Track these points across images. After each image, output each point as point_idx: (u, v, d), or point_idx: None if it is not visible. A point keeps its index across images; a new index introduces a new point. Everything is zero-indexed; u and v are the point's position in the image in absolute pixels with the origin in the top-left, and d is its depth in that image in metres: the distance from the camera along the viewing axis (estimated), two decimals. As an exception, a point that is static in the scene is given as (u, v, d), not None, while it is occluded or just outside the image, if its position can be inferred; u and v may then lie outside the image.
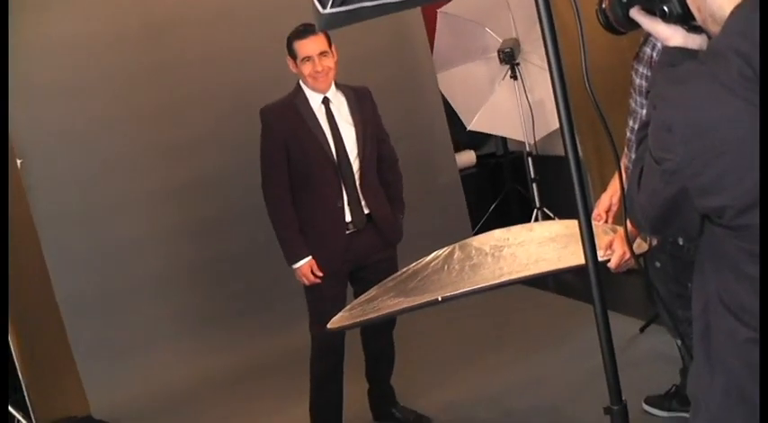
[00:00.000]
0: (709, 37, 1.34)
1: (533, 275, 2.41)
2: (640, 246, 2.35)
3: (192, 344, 4.42)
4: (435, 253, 2.86)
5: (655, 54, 2.33)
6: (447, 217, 5.27)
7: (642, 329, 3.83)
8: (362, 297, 2.74)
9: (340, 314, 2.64)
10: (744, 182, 1.10)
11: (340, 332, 3.21)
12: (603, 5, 1.45)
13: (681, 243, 2.45)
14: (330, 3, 1.49)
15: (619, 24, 1.46)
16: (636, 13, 1.41)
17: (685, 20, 1.33)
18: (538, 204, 5.24)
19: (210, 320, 4.48)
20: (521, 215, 5.57)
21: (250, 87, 4.29)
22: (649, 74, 2.38)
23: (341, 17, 1.51)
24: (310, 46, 3.05)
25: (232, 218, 4.50)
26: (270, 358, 4.27)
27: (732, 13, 1.14)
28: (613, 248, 2.23)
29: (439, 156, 5.34)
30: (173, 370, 4.29)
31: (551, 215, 5.18)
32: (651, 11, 1.38)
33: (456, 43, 5.40)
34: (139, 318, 4.35)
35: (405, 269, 2.83)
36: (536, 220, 5.19)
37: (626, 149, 2.62)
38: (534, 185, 5.25)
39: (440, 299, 2.35)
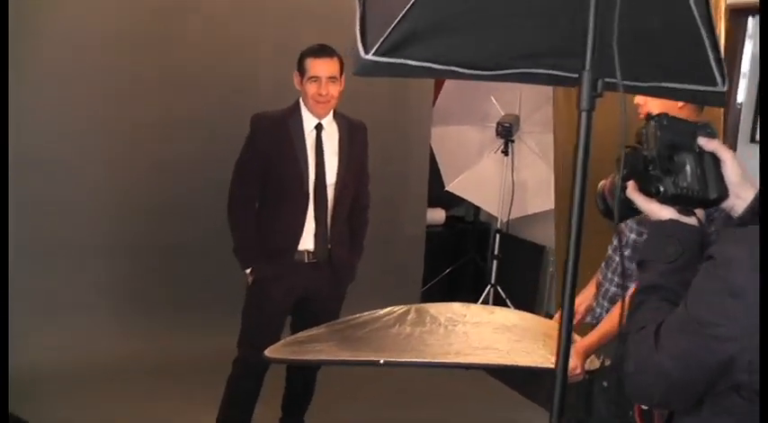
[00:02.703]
0: (701, 222, 1.37)
1: (478, 365, 2.39)
2: (592, 362, 2.36)
3: (115, 320, 4.34)
4: (390, 308, 2.85)
5: None
6: (401, 268, 5.24)
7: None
8: (306, 332, 2.69)
9: (280, 344, 2.58)
10: None
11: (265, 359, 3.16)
12: (604, 191, 1.47)
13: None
14: (374, 49, 1.47)
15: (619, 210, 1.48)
16: (632, 191, 1.43)
17: (678, 201, 1.37)
18: (493, 281, 5.24)
19: (141, 301, 4.43)
20: (473, 287, 5.57)
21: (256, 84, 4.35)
22: None
23: (380, 67, 1.48)
24: (322, 67, 3.02)
25: (196, 204, 4.41)
26: (189, 357, 4.15)
27: None
28: None
29: (411, 206, 5.32)
30: (87, 342, 4.19)
31: (503, 295, 5.19)
32: (647, 191, 1.41)
33: (459, 103, 5.43)
34: (74, 278, 4.28)
35: (357, 316, 2.79)
36: (487, 295, 5.20)
37: (602, 265, 2.63)
38: (495, 262, 5.26)
39: (381, 362, 2.31)
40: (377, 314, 2.82)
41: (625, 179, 1.44)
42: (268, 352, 2.50)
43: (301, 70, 3.06)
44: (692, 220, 1.38)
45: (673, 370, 1.19)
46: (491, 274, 5.28)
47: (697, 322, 1.15)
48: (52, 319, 4.14)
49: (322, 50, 3.03)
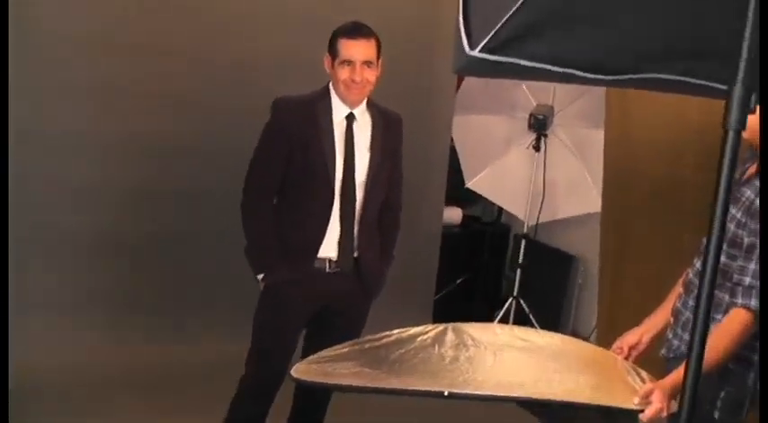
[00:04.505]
0: None
1: (559, 402, 2.32)
2: (671, 405, 2.32)
3: (104, 324, 4.32)
4: (424, 327, 2.80)
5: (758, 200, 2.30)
6: (413, 273, 5.17)
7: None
8: (331, 351, 2.63)
9: (306, 363, 2.52)
10: None
11: (278, 376, 3.08)
12: None
13: (716, 416, 2.42)
14: (481, 45, 1.41)
15: None
16: None
17: None
18: (516, 293, 5.20)
19: (136, 303, 4.42)
20: (492, 297, 5.54)
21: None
22: (747, 221, 2.33)
23: (487, 65, 1.43)
24: (357, 49, 2.95)
25: (198, 194, 4.42)
26: (199, 366, 4.11)
27: None
28: (651, 399, 2.18)
29: (428, 204, 5.25)
30: (75, 348, 4.16)
31: (526, 309, 5.15)
32: None
33: (485, 89, 5.36)
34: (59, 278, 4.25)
35: (386, 334, 2.73)
36: (508, 308, 5.17)
37: (679, 289, 2.59)
38: (519, 271, 5.22)
39: (446, 393, 2.26)
40: (409, 332, 2.77)
41: None
42: (295, 372, 2.44)
43: (333, 52, 2.99)
44: None
45: None
46: (514, 285, 5.23)
47: None
48: (34, 323, 4.05)
49: (357, 30, 2.96)
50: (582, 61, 1.44)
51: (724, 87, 1.36)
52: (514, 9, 1.37)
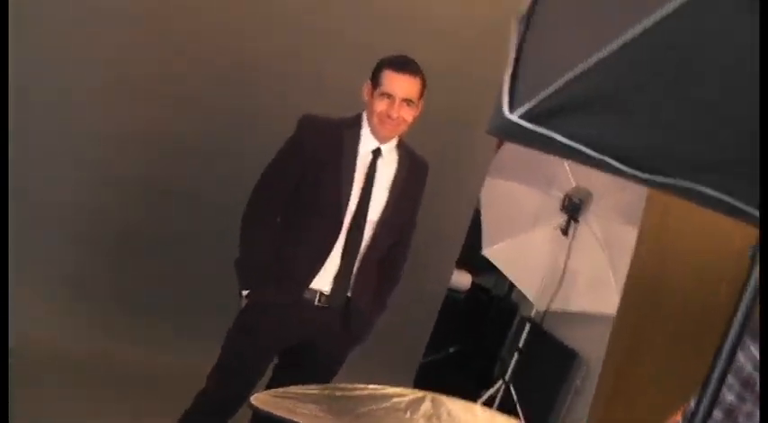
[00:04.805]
0: None
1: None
2: None
3: (110, 328, 4.37)
4: (402, 389, 2.79)
5: None
6: (405, 330, 5.13)
7: None
8: (298, 389, 2.62)
9: (268, 394, 2.51)
10: None
11: (238, 400, 3.03)
12: None
13: None
14: (522, 111, 1.39)
15: None
16: None
17: None
18: (508, 377, 5.13)
19: (124, 299, 4.47)
20: (483, 375, 5.47)
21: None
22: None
23: (521, 132, 1.41)
24: (401, 84, 2.96)
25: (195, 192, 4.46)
26: (199, 366, 4.08)
27: None
28: None
29: (436, 264, 5.21)
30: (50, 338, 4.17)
31: (515, 397, 5.07)
32: None
33: (524, 157, 5.33)
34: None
35: (360, 386, 2.72)
36: (496, 392, 5.10)
37: (677, 418, 2.53)
38: (516, 355, 5.16)
39: None
40: (385, 391, 2.75)
41: None
42: (255, 400, 2.42)
43: (375, 82, 3.00)
44: None
45: None
46: (508, 368, 5.16)
47: None
48: (33, 322, 4.05)
49: (405, 65, 2.97)
50: (621, 152, 1.42)
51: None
52: (564, 83, 1.35)
